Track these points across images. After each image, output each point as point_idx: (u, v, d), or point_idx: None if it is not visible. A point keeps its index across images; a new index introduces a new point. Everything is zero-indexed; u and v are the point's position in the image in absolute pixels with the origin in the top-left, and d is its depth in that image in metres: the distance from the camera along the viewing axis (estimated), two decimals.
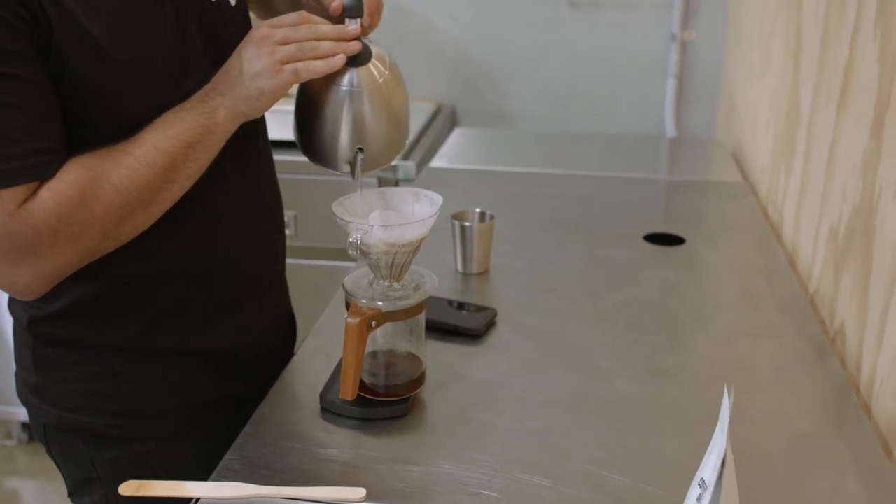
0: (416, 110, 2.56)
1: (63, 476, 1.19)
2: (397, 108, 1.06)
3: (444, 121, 2.67)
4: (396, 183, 2.17)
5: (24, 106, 0.88)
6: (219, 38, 1.06)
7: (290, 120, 1.09)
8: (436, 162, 2.15)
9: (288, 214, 2.23)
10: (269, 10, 1.33)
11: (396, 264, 1.01)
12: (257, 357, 1.21)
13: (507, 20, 2.64)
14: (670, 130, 2.63)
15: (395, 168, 2.16)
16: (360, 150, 1.02)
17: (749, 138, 2.10)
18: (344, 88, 1.01)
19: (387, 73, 1.03)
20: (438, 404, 1.10)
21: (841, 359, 1.27)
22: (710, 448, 0.80)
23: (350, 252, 0.97)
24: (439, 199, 1.02)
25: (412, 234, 0.99)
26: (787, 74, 1.71)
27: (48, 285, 0.96)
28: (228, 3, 1.10)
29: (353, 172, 1.04)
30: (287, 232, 2.18)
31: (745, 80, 2.21)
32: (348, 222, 0.98)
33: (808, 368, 1.19)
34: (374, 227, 0.97)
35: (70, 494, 1.20)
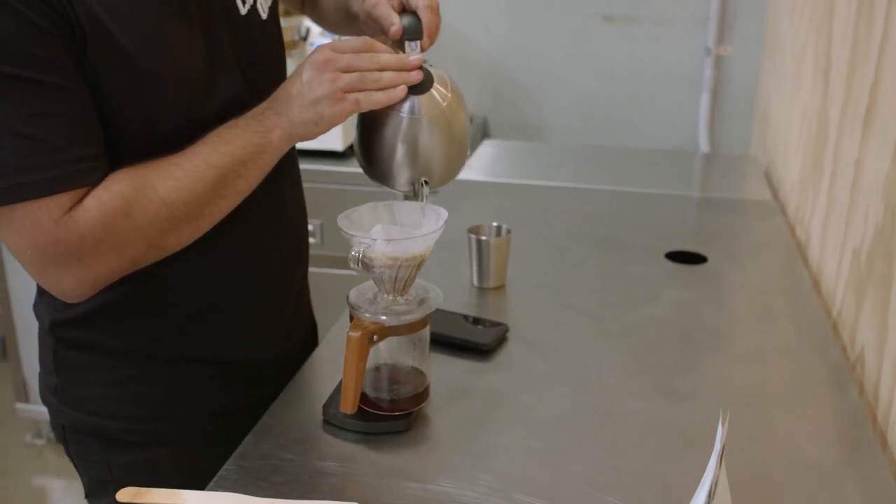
0: None
1: (80, 476, 1.21)
2: (459, 130, 1.06)
3: (475, 132, 2.66)
4: None
5: (66, 114, 0.89)
6: (248, 50, 1.07)
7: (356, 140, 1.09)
8: (462, 173, 2.13)
9: (314, 223, 2.26)
10: (323, 20, 1.34)
11: (400, 279, 1.01)
12: (276, 365, 1.21)
13: (541, 33, 2.64)
14: (704, 146, 2.60)
15: None
16: (426, 182, 1.04)
17: (781, 156, 2.07)
18: (406, 116, 1.01)
19: (449, 95, 1.04)
20: (442, 420, 1.09)
21: (860, 385, 1.24)
22: (705, 475, 0.79)
23: (352, 266, 0.97)
24: (445, 213, 1.02)
25: (415, 248, 0.98)
26: (817, 92, 1.68)
27: (93, 290, 0.97)
28: (259, 16, 1.11)
29: (416, 197, 1.06)
30: (312, 241, 2.21)
31: (778, 97, 2.18)
32: (352, 236, 0.98)
33: (824, 394, 1.16)
34: (377, 241, 0.96)
35: (87, 495, 1.22)
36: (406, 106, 1.01)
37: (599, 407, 1.12)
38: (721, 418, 0.76)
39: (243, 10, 1.07)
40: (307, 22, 2.50)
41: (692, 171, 2.34)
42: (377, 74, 0.98)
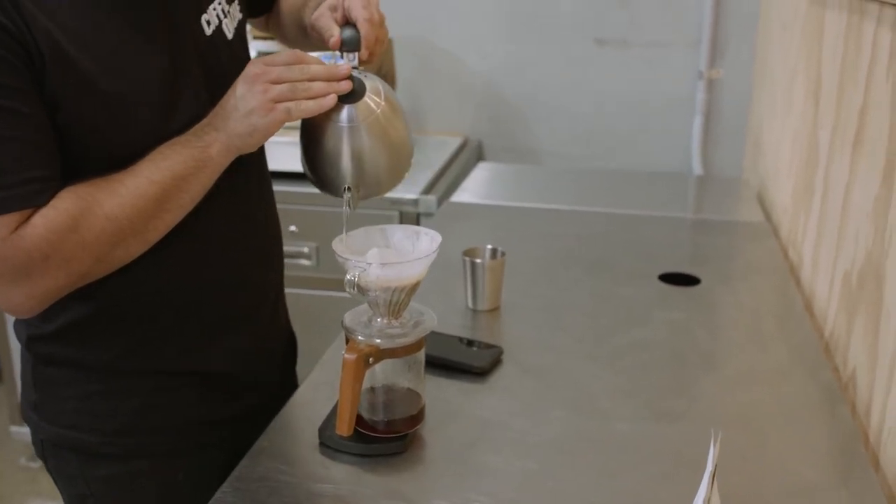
0: (442, 144, 2.61)
1: (60, 493, 1.22)
2: (395, 138, 1.08)
3: (470, 155, 2.68)
4: (418, 217, 2.19)
5: (18, 138, 0.92)
6: (215, 72, 1.09)
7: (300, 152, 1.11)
8: (457, 196, 2.16)
9: (309, 246, 2.27)
10: (284, 37, 1.36)
11: (395, 302, 1.02)
12: (250, 380, 1.23)
13: (535, 57, 2.66)
14: (697, 168, 2.62)
15: (415, 202, 2.17)
16: (348, 189, 1.06)
17: (773, 178, 2.09)
18: (339, 124, 1.04)
19: (383, 104, 1.06)
20: (437, 442, 1.10)
21: (852, 406, 1.24)
22: (697, 495, 0.79)
23: (347, 289, 0.98)
24: (438, 237, 1.03)
25: (410, 272, 0.99)
26: (808, 115, 1.70)
27: (42, 305, 1.00)
28: (225, 37, 1.13)
29: (350, 206, 1.07)
30: (308, 263, 2.22)
31: (770, 120, 2.20)
32: (346, 259, 0.99)
33: (816, 415, 1.17)
34: (372, 266, 0.97)
35: None
36: (339, 115, 1.04)
37: (593, 429, 1.13)
38: (712, 439, 0.77)
39: (208, 31, 1.10)
40: None
41: (685, 193, 2.36)
42: (307, 84, 1.01)
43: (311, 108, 1.01)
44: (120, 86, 0.97)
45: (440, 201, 2.20)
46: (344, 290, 1.01)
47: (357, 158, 1.05)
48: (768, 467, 1.05)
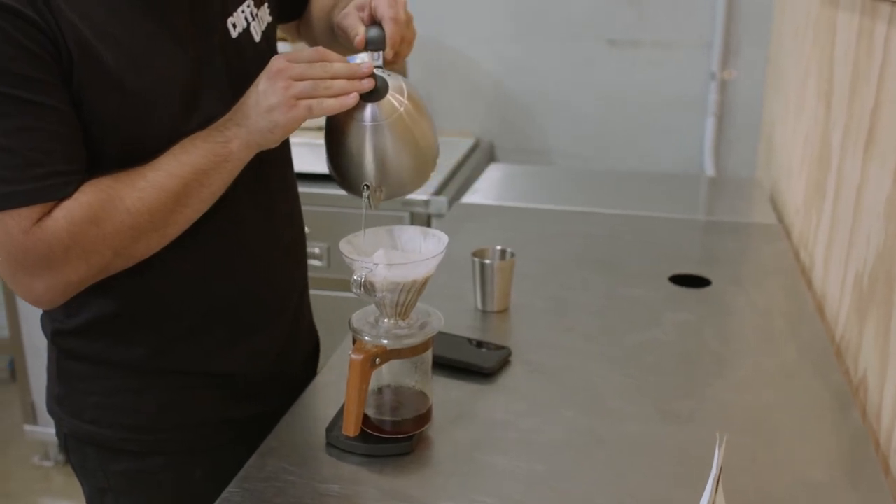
0: (453, 145, 2.61)
1: (81, 485, 1.23)
2: (419, 137, 1.07)
3: (482, 156, 2.68)
4: (429, 218, 2.19)
5: (46, 130, 0.93)
6: (240, 74, 1.09)
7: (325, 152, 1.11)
8: (468, 197, 2.15)
9: (320, 246, 2.27)
10: (315, 41, 1.36)
11: (402, 303, 1.02)
12: (271, 380, 1.23)
13: (547, 57, 2.66)
14: (709, 170, 2.61)
15: (426, 203, 2.17)
16: (367, 186, 1.05)
17: (785, 179, 2.08)
18: (361, 123, 1.03)
19: (406, 102, 1.05)
20: (444, 442, 1.09)
21: (863, 409, 1.24)
22: (701, 500, 0.79)
23: (354, 290, 0.98)
24: (445, 238, 1.03)
25: (416, 273, 0.99)
26: (819, 116, 1.69)
27: (63, 297, 1.00)
28: (252, 40, 1.14)
29: (370, 205, 1.06)
30: (319, 264, 2.23)
31: (782, 121, 2.19)
32: (353, 260, 0.99)
33: (826, 418, 1.16)
34: (379, 266, 0.97)
35: None
36: (362, 113, 1.03)
37: (601, 430, 1.13)
38: (718, 442, 0.76)
39: (234, 34, 1.10)
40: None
41: (697, 194, 2.35)
42: (329, 82, 1.01)
43: (333, 105, 1.00)
44: (144, 84, 0.98)
45: (451, 202, 2.20)
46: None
47: (379, 157, 1.04)
48: (777, 469, 1.05)
